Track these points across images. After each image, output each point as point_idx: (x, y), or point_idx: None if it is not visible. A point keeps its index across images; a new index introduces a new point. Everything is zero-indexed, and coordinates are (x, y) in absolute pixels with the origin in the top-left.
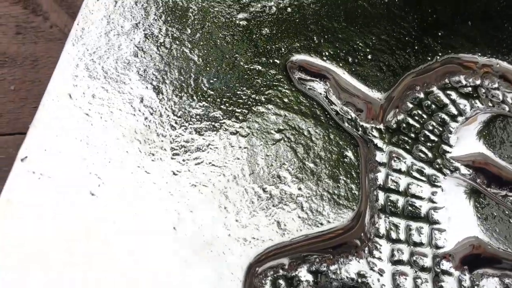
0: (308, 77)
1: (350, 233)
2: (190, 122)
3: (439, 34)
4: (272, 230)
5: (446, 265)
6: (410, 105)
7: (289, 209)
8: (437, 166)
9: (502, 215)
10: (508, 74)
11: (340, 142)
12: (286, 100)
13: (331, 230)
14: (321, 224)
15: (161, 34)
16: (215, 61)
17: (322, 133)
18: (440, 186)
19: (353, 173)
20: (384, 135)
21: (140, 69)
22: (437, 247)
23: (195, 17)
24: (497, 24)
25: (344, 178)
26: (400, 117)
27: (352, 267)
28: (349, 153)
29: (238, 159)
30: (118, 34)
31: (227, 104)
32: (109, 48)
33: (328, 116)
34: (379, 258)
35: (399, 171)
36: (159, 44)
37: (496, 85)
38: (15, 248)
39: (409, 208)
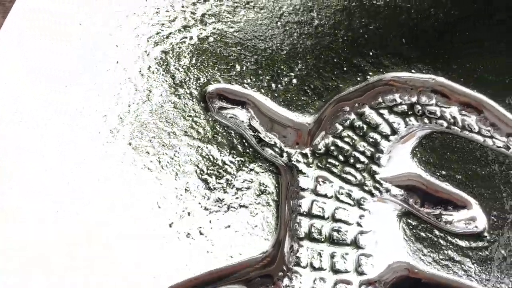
0: (229, 105)
1: (268, 264)
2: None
3: (370, 53)
4: (178, 266)
5: None
6: (340, 127)
7: (197, 244)
8: (367, 188)
9: (431, 237)
10: (445, 89)
11: (258, 171)
12: (201, 130)
13: (243, 262)
14: (231, 257)
15: None
16: (128, 95)
17: (238, 163)
18: (368, 209)
19: (270, 201)
20: (310, 159)
21: None
22: (363, 274)
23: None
24: (431, 39)
25: (260, 207)
26: (329, 140)
27: None
28: (267, 181)
29: (148, 193)
30: None
31: (136, 139)
32: None
33: (246, 145)
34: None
35: (325, 196)
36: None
37: (433, 101)
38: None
39: (335, 234)
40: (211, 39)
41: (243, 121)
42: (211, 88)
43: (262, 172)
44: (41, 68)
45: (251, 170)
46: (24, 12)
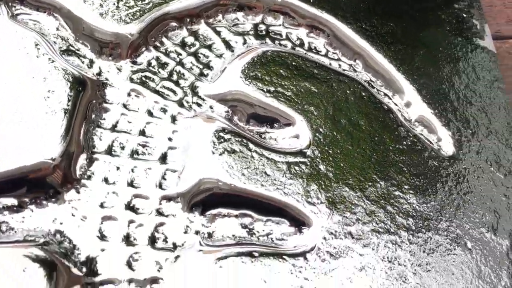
0: (33, 11)
1: (50, 175)
2: None
3: None
4: None
5: (172, 207)
6: (168, 43)
7: None
8: (186, 104)
9: (244, 151)
10: (293, 10)
11: (57, 78)
12: None
13: (22, 167)
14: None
15: None
16: None
17: (36, 72)
18: (182, 125)
19: (58, 110)
20: (124, 73)
21: None
22: (165, 189)
23: None
24: None
25: (46, 115)
26: (152, 54)
27: (46, 214)
28: (61, 90)
29: None
30: None
31: None
32: None
33: (46, 55)
34: (84, 203)
35: (136, 110)
36: None
37: (280, 22)
38: None
39: (141, 148)
40: None
41: (49, 29)
42: None
43: (60, 80)
44: None
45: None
46: None
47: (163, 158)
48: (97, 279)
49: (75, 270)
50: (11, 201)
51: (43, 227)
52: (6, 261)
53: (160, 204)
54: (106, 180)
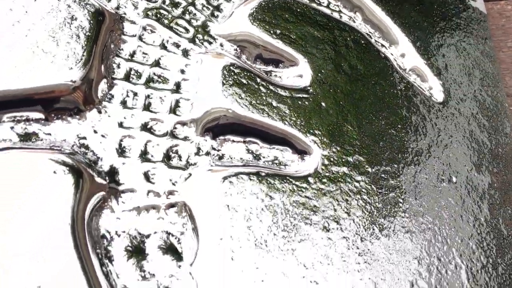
0: None
1: (73, 95)
2: None
3: None
4: None
5: (185, 131)
6: None
7: None
8: (198, 41)
9: (252, 84)
10: None
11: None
12: None
13: (47, 87)
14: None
15: None
16: None
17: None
18: (194, 59)
19: (81, 36)
20: (141, 8)
21: None
22: (178, 115)
23: None
24: None
25: (67, 38)
26: None
27: (71, 130)
28: (84, 20)
29: None
30: None
31: None
32: None
33: None
34: (105, 123)
35: (151, 44)
36: None
37: None
38: None
39: (156, 78)
40: None
41: None
42: None
43: (82, 9)
44: None
45: (68, 6)
46: None
47: (177, 88)
48: (120, 187)
49: (98, 179)
50: (38, 115)
51: (68, 140)
52: (38, 165)
53: (175, 128)
54: (124, 103)
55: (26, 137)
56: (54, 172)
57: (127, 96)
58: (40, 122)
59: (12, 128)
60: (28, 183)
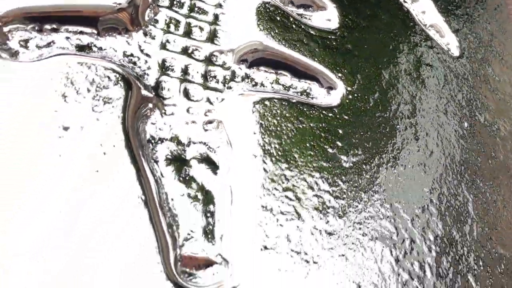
0: None
1: (122, 15)
2: None
3: None
4: None
5: (222, 58)
6: None
7: None
8: None
9: (285, 21)
10: None
11: None
12: None
13: (98, 6)
14: None
15: None
16: None
17: None
18: None
19: None
20: None
21: None
22: (216, 44)
23: None
24: None
25: None
26: None
27: (120, 46)
28: None
29: None
30: None
31: None
32: None
33: None
34: (150, 43)
35: None
36: None
37: None
38: None
39: (196, 9)
40: None
41: None
42: None
43: None
44: None
45: None
46: None
47: (215, 19)
48: (164, 101)
49: (144, 91)
50: (91, 30)
51: (118, 55)
52: (92, 70)
53: (213, 55)
54: (167, 28)
55: (80, 47)
56: (108, 77)
57: (170, 22)
58: (92, 36)
59: (67, 38)
60: (84, 85)
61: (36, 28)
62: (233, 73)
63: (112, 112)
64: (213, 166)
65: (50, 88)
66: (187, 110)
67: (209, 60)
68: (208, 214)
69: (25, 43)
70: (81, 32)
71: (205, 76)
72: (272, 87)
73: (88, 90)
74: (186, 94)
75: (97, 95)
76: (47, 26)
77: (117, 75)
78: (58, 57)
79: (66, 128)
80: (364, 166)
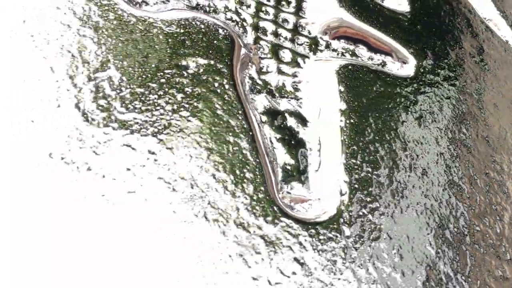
0: None
1: None
2: None
3: None
4: None
5: (308, 28)
6: None
7: None
8: None
9: (366, 0)
10: None
11: None
12: None
13: None
14: None
15: None
16: None
17: None
18: None
19: None
20: None
21: None
22: (302, 16)
23: None
24: None
25: None
26: None
27: (222, 8)
28: None
29: None
30: None
31: None
32: None
33: None
34: (244, 10)
35: None
36: None
37: None
38: None
39: None
40: None
41: None
42: None
43: None
44: None
45: None
46: None
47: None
48: (261, 61)
49: (244, 49)
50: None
51: (220, 17)
52: (200, 24)
53: (299, 25)
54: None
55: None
56: (217, 30)
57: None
58: None
59: None
60: (192, 39)
61: None
62: (317, 42)
63: (222, 60)
64: (303, 119)
65: (171, 37)
66: (279, 70)
67: (296, 30)
68: (302, 158)
69: None
70: None
71: (293, 42)
72: (352, 57)
73: (203, 40)
74: (277, 56)
75: (210, 44)
76: None
77: (224, 31)
78: (173, 11)
79: (186, 68)
80: (434, 129)
